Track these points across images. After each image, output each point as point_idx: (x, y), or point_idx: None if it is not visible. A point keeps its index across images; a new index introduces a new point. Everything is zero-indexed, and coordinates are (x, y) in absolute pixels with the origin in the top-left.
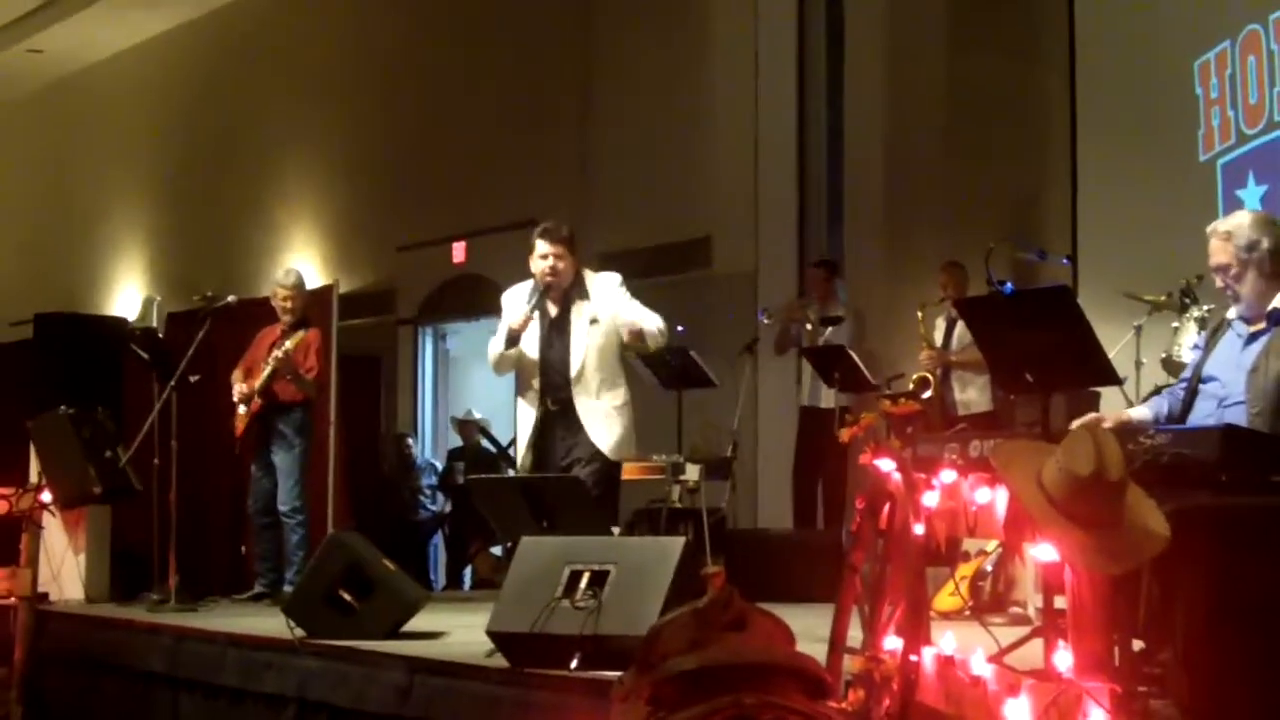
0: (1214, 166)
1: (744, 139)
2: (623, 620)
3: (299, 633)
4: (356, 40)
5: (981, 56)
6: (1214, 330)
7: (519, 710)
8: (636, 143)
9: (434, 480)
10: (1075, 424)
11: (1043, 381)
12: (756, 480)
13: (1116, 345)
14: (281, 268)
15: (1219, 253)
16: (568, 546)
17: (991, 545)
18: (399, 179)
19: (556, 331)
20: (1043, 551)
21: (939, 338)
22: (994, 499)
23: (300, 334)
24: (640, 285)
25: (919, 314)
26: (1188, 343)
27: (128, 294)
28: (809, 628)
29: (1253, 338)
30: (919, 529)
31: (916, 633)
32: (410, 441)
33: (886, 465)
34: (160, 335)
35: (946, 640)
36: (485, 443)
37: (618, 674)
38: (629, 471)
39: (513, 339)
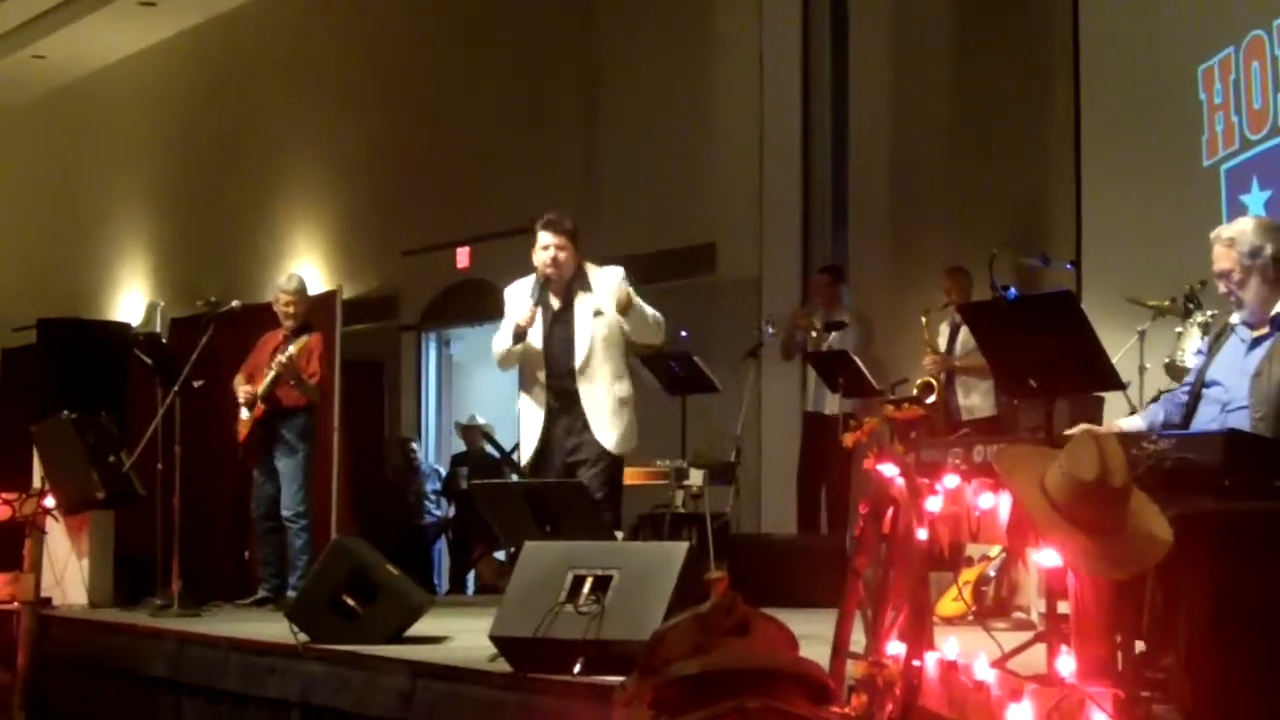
0: (1218, 172)
1: (748, 145)
2: (626, 625)
3: (302, 637)
4: (360, 46)
5: (986, 62)
6: (1217, 335)
7: (522, 715)
8: (641, 148)
9: (438, 485)
10: (1069, 433)
11: (1046, 387)
12: (760, 485)
13: (1120, 350)
14: (284, 273)
15: (1222, 259)
16: (571, 551)
17: (995, 550)
18: (403, 184)
19: (559, 323)
20: (1046, 557)
21: (943, 343)
22: (997, 504)
23: (303, 339)
24: (644, 290)
25: (923, 319)
26: (1191, 348)
27: (131, 299)
28: (812, 633)
29: (1256, 343)
30: (922, 534)
31: (919, 638)
32: (415, 446)
33: (890, 470)
34: (164, 340)
35: (949, 645)
36: (489, 448)
37: (620, 679)
38: (632, 476)
39: (519, 335)
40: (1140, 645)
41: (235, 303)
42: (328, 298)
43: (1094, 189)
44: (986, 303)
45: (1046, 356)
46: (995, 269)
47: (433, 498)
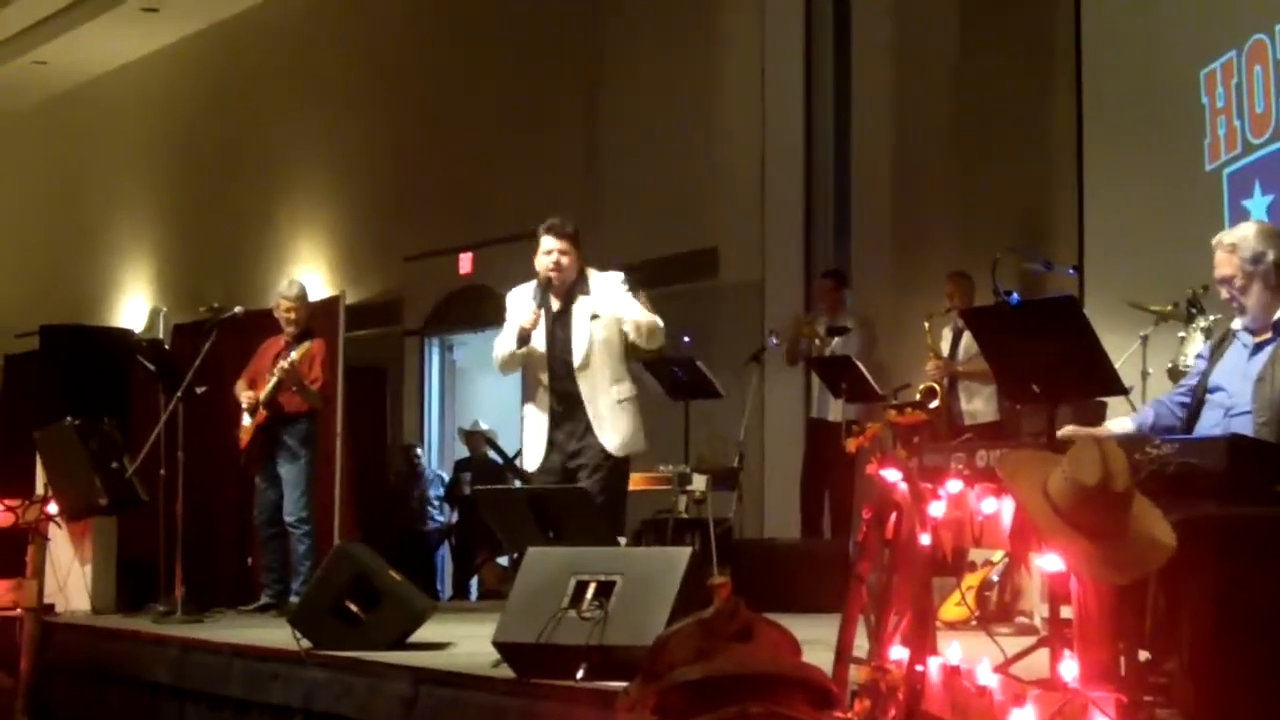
0: (1220, 176)
1: (751, 149)
2: (629, 631)
3: (305, 643)
4: (362, 51)
5: (988, 67)
6: (1219, 341)
7: None
8: (643, 153)
9: (441, 491)
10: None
11: (1049, 392)
12: (763, 490)
13: (1122, 355)
14: (286, 279)
15: (1224, 265)
16: (574, 557)
17: (997, 555)
18: (405, 190)
19: (560, 326)
20: (1049, 561)
21: (945, 348)
22: (1000, 509)
23: (305, 345)
24: (647, 295)
25: (925, 324)
26: (1193, 353)
27: (134, 305)
28: (815, 638)
29: (1258, 348)
30: (925, 539)
31: (922, 642)
32: (419, 451)
33: (893, 475)
34: (166, 346)
35: (952, 650)
36: (492, 453)
37: (623, 684)
38: (635, 482)
39: (523, 338)
40: (1143, 650)
41: (238, 308)
42: (330, 303)
43: (1096, 193)
44: (989, 308)
45: (1049, 361)
46: (998, 274)
47: (436, 503)
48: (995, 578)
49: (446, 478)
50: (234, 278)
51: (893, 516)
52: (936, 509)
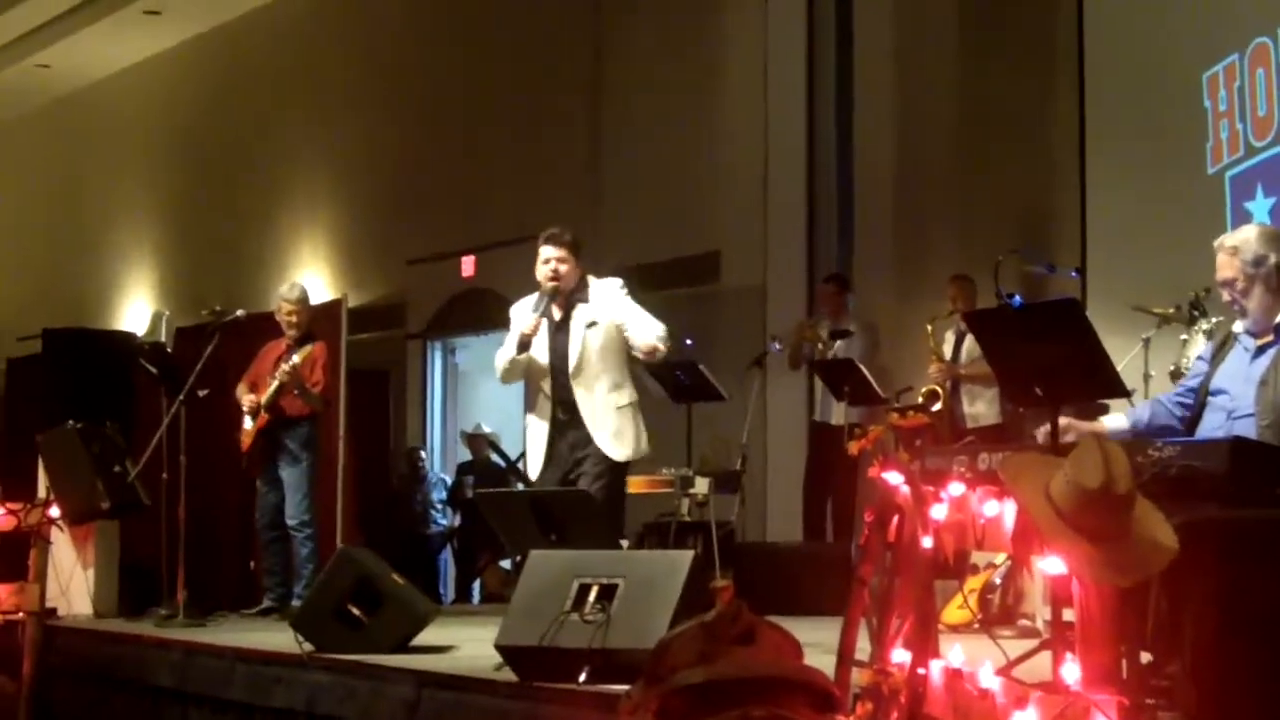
0: (1222, 179)
1: (753, 152)
2: (631, 634)
3: (307, 647)
4: (364, 55)
5: (991, 71)
6: (1221, 343)
7: None
8: (646, 157)
9: (444, 494)
10: (1039, 431)
11: (1051, 394)
12: (765, 493)
13: (1125, 358)
14: (288, 282)
15: (1225, 267)
16: (576, 560)
17: (1000, 558)
18: (407, 193)
19: (561, 334)
20: (1051, 564)
21: (948, 351)
22: (1002, 512)
23: (307, 349)
24: (650, 299)
25: (928, 327)
26: (1196, 355)
27: (136, 308)
28: (817, 641)
29: (1260, 351)
30: (927, 542)
31: (925, 645)
32: (422, 454)
33: (895, 478)
34: (169, 350)
35: (955, 653)
36: (494, 457)
37: (626, 687)
38: (638, 485)
39: (524, 344)
40: (1145, 653)
41: (240, 312)
42: (333, 306)
43: (1098, 196)
44: (991, 310)
45: (1051, 364)
46: (1000, 277)
47: (439, 506)
48: (997, 580)
49: (449, 481)
50: (236, 281)
51: (895, 519)
52: (939, 512)
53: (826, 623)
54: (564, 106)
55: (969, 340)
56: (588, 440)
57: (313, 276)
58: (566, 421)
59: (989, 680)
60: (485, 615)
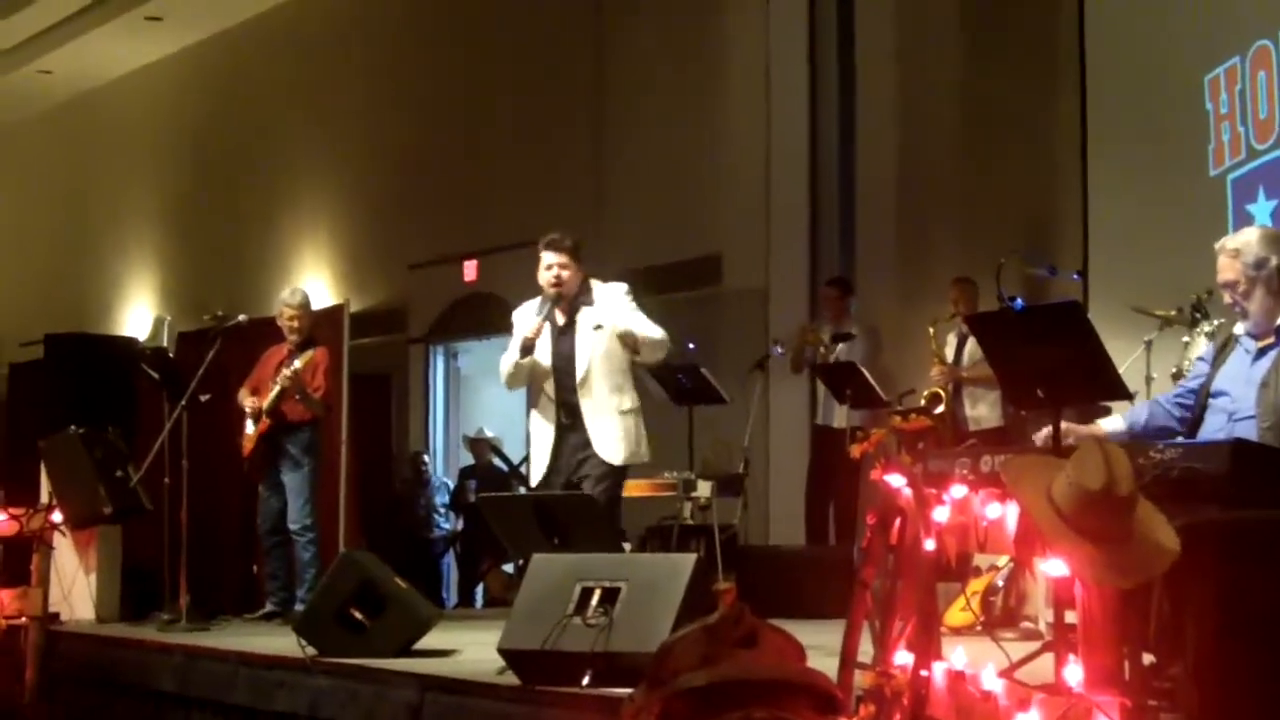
0: (1224, 181)
1: (755, 155)
2: (634, 637)
3: (310, 651)
4: (366, 59)
5: (993, 73)
6: (1222, 345)
7: None
8: (649, 160)
9: (446, 499)
10: (1037, 437)
11: (1053, 397)
12: (768, 496)
13: (1127, 360)
14: (289, 287)
15: (1227, 269)
16: (579, 564)
17: (1002, 560)
18: (410, 197)
19: (564, 339)
20: (1053, 566)
21: (950, 353)
22: (1004, 514)
23: (309, 353)
24: (652, 302)
25: (930, 330)
26: (1197, 357)
27: (138, 313)
28: (820, 643)
29: (1261, 353)
30: (930, 544)
31: (927, 648)
32: (426, 459)
33: (897, 481)
34: (171, 355)
35: (957, 655)
36: (497, 461)
37: (629, 691)
38: (640, 489)
39: (527, 348)
40: (1147, 655)
41: (242, 317)
42: (335, 311)
43: (1100, 199)
44: (993, 313)
45: (1053, 366)
46: (1002, 279)
47: (441, 510)
48: (1000, 583)
49: (451, 485)
50: (238, 286)
51: (897, 522)
52: (941, 514)
53: (829, 625)
54: (566, 110)
55: (971, 343)
56: (588, 443)
57: (314, 281)
58: (569, 425)
59: (991, 682)
60: (488, 619)
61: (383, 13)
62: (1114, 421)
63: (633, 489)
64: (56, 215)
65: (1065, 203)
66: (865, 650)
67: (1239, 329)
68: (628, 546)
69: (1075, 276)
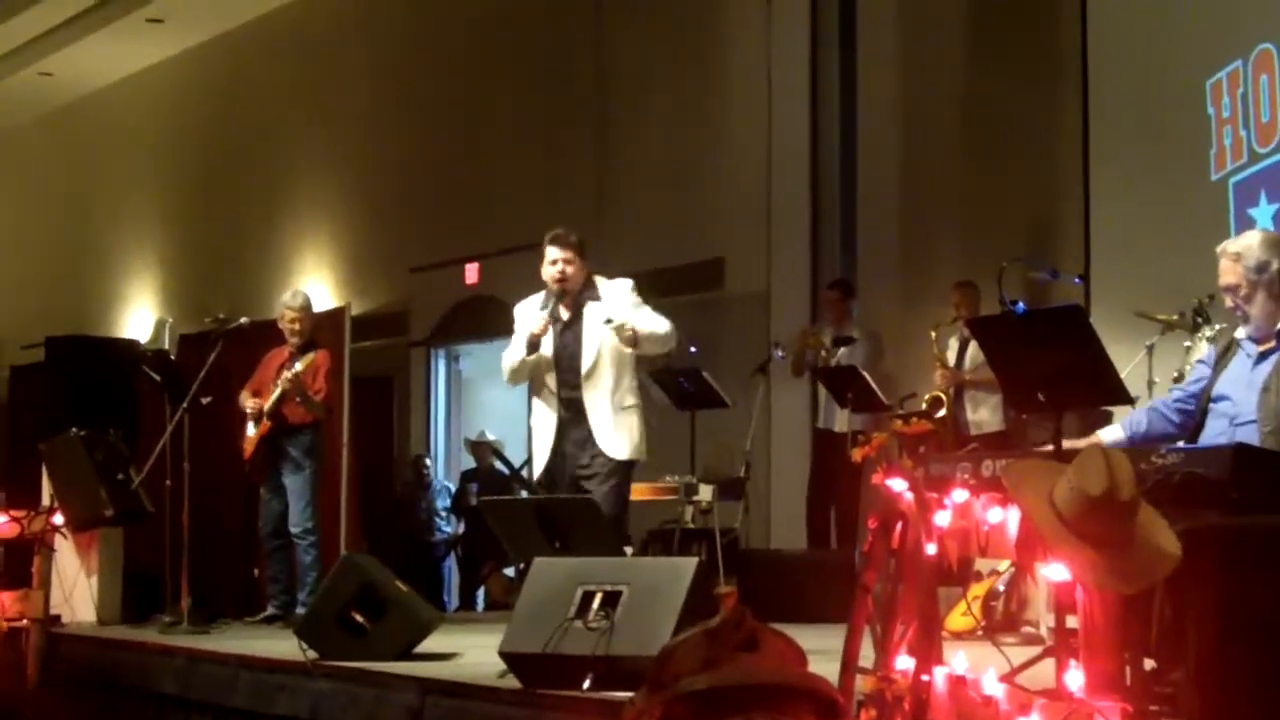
0: (1226, 185)
1: (757, 160)
2: (635, 641)
3: (311, 654)
4: (368, 63)
5: (995, 77)
6: (1224, 350)
7: None
8: (650, 164)
9: (448, 502)
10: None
11: (1055, 401)
12: (769, 500)
13: (1129, 365)
14: (290, 290)
15: (1228, 273)
16: (580, 567)
17: (1004, 565)
18: (412, 201)
19: (569, 335)
20: (1055, 571)
21: (952, 357)
22: (1006, 519)
23: (310, 356)
24: (654, 305)
25: (932, 334)
26: (1198, 359)
27: (140, 316)
28: (821, 648)
29: (1262, 357)
30: (931, 549)
31: (929, 652)
32: (427, 462)
33: (899, 485)
34: (172, 357)
35: (958, 660)
36: (498, 464)
37: (629, 694)
38: (642, 492)
39: (533, 345)
40: (1149, 660)
41: (244, 319)
42: (337, 314)
43: (1102, 203)
44: (995, 317)
45: (1055, 371)
46: (1004, 283)
47: (443, 514)
48: (1001, 587)
49: (453, 488)
50: (239, 288)
51: (899, 526)
52: (942, 519)
53: (830, 630)
54: (567, 113)
55: (973, 347)
56: (592, 439)
57: (316, 284)
58: (570, 420)
59: (993, 687)
60: (489, 622)
61: (384, 15)
62: (1113, 431)
63: (634, 492)
64: (57, 217)
65: (1067, 206)
66: (866, 654)
67: (1240, 333)
68: (629, 550)
69: (1077, 280)
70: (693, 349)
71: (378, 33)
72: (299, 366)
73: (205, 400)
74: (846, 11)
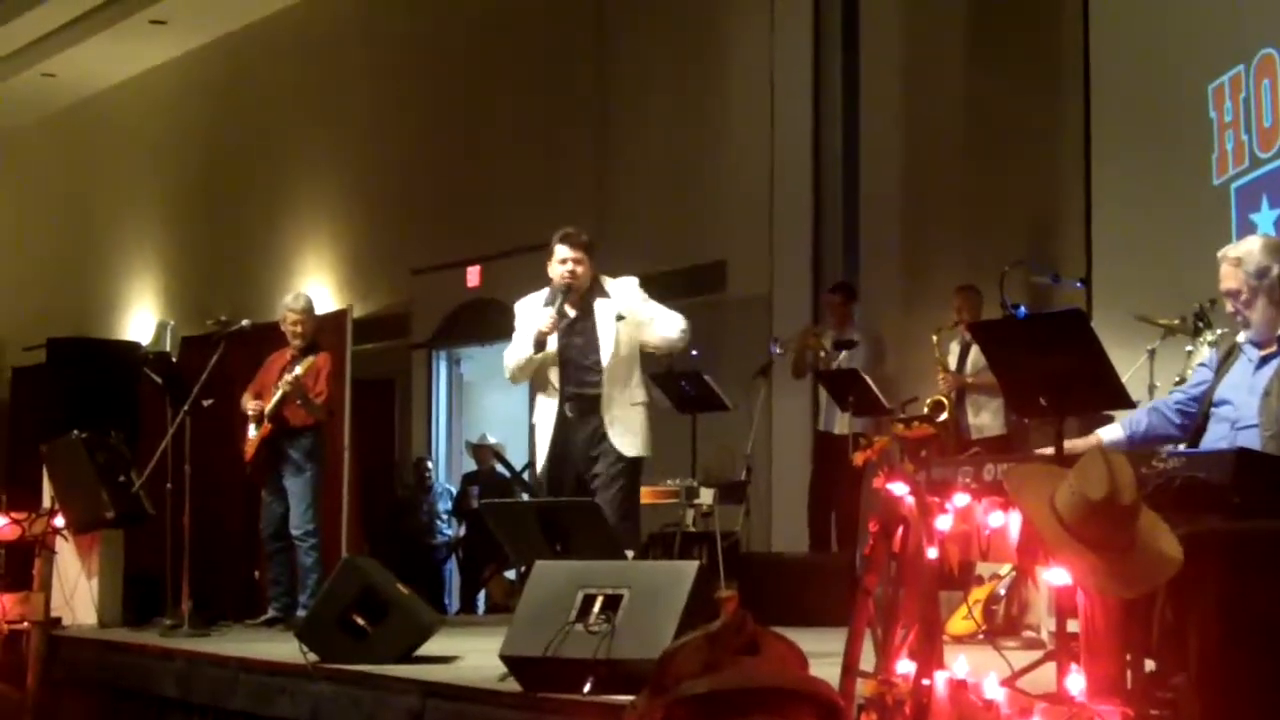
0: (1228, 190)
1: (759, 163)
2: (636, 644)
3: (312, 657)
4: (369, 65)
5: (996, 81)
6: (1225, 354)
7: None
8: (652, 167)
9: (449, 505)
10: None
11: (1056, 405)
12: (770, 504)
13: (1130, 369)
14: (292, 292)
15: (1229, 278)
16: (581, 570)
17: (1005, 569)
18: (413, 203)
19: (577, 333)
20: (1056, 575)
21: (953, 361)
22: (1007, 523)
23: (311, 359)
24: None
25: (934, 337)
26: (1199, 363)
27: (141, 318)
28: (822, 651)
29: (1264, 361)
30: (932, 552)
31: (929, 656)
32: (428, 464)
33: (900, 489)
34: (174, 359)
35: (959, 664)
36: (499, 467)
37: (630, 698)
38: (643, 495)
39: (540, 343)
40: (1150, 664)
41: (245, 322)
42: (338, 316)
43: (1104, 207)
44: (997, 321)
45: (1056, 375)
46: (1006, 287)
47: (444, 517)
48: (1002, 591)
49: (454, 491)
50: (241, 291)
51: (900, 530)
52: (943, 522)
53: (831, 633)
54: (569, 116)
55: (974, 351)
56: (601, 436)
57: (318, 286)
58: (576, 417)
59: (994, 691)
60: (490, 625)
61: (385, 18)
62: (1113, 430)
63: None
64: (59, 219)
65: (1069, 210)
66: (867, 658)
67: (1242, 338)
68: (630, 554)
69: (1079, 285)
70: (694, 352)
71: (379, 34)
72: (300, 369)
73: (207, 403)
74: (849, 13)
